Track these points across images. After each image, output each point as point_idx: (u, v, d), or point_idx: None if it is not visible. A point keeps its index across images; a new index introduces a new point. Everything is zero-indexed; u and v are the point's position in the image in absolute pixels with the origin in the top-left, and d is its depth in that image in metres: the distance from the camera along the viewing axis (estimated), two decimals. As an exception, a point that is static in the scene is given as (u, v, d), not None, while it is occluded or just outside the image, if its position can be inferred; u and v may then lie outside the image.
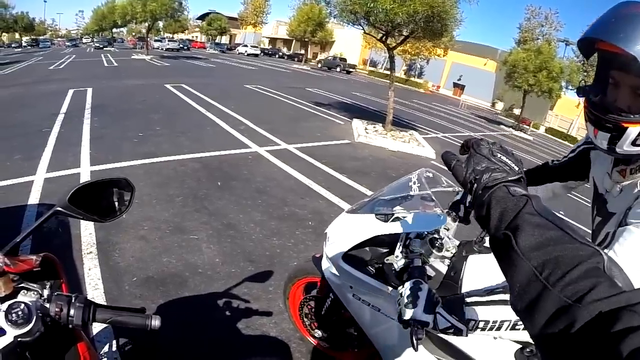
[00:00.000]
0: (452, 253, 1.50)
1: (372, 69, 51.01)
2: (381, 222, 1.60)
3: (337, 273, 1.83)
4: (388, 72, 11.52)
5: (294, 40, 51.37)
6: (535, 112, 29.65)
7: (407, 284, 1.18)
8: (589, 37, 1.04)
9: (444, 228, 1.51)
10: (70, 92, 12.05)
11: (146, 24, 35.48)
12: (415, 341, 1.08)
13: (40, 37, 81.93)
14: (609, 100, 1.08)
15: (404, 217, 1.55)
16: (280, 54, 57.38)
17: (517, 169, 0.70)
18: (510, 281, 0.59)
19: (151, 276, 3.09)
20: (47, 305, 0.84)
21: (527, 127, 27.38)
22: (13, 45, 76.94)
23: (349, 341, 2.19)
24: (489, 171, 0.69)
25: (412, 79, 44.64)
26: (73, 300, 0.85)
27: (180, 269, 3.23)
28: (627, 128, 1.01)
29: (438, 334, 1.41)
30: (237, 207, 4.49)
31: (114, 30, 73.34)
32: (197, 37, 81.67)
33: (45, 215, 0.98)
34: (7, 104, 10.54)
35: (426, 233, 1.47)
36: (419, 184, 1.56)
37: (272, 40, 69.24)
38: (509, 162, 0.71)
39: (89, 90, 12.38)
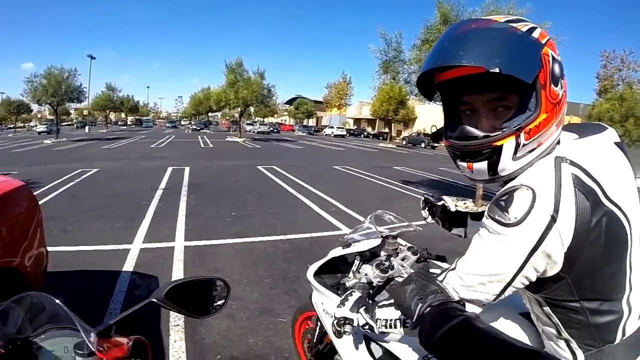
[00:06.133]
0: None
1: (456, 141, 50.90)
2: (341, 249, 2.13)
3: (315, 294, 2.25)
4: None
5: (378, 120, 53.40)
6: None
7: (346, 293, 1.57)
8: (431, 69, 1.05)
9: (400, 259, 1.94)
10: (169, 169, 13.44)
11: (239, 109, 39.03)
12: (342, 332, 1.41)
13: (144, 118, 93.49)
14: (470, 128, 1.08)
15: (354, 243, 2.07)
16: (365, 133, 59.89)
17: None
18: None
19: (236, 356, 3.14)
20: None
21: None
22: (119, 123, 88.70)
23: None
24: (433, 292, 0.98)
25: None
26: None
27: (265, 351, 3.23)
28: (501, 146, 1.01)
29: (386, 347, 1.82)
30: (327, 291, 4.50)
31: (210, 114, 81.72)
32: (285, 120, 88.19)
33: (140, 304, 1.05)
34: (113, 176, 12.03)
35: (377, 259, 1.96)
36: (370, 221, 2.12)
37: (357, 121, 72.51)
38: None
39: (187, 169, 13.69)
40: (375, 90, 35.15)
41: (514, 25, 1.00)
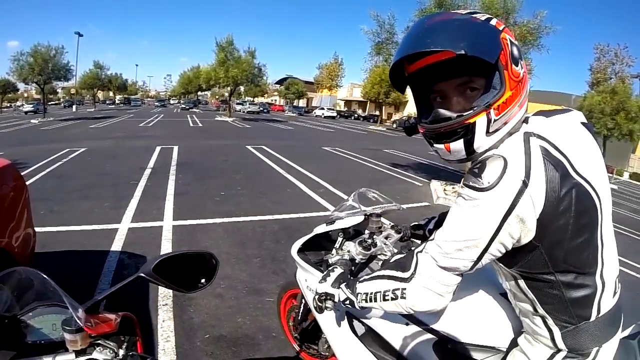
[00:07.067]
0: (386, 257, 1.96)
1: (446, 126, 51.38)
2: (325, 225, 2.17)
3: (300, 272, 2.28)
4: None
5: (369, 102, 53.59)
6: (617, 158, 27.56)
7: (328, 269, 1.61)
8: (401, 63, 1.15)
9: (384, 237, 1.99)
10: (158, 148, 13.32)
11: (228, 88, 38.75)
12: (323, 308, 1.50)
13: (132, 97, 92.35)
14: (443, 110, 1.12)
15: (338, 219, 2.10)
16: (356, 115, 60.02)
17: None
18: None
19: (224, 335, 3.17)
20: None
21: (611, 174, 25.22)
22: (107, 102, 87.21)
23: (321, 346, 2.49)
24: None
25: (489, 133, 44.23)
26: None
27: (253, 330, 3.28)
28: (474, 123, 1.07)
29: (375, 330, 1.83)
30: (315, 272, 4.55)
31: (199, 93, 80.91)
32: (276, 100, 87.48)
33: (128, 279, 1.03)
34: (101, 155, 11.90)
35: (361, 237, 1.99)
36: (354, 199, 2.13)
37: (348, 103, 72.49)
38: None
39: (175, 148, 13.59)
40: (367, 72, 34.98)
41: (474, 15, 1.09)
